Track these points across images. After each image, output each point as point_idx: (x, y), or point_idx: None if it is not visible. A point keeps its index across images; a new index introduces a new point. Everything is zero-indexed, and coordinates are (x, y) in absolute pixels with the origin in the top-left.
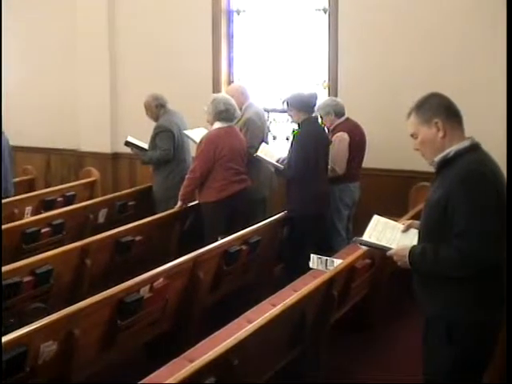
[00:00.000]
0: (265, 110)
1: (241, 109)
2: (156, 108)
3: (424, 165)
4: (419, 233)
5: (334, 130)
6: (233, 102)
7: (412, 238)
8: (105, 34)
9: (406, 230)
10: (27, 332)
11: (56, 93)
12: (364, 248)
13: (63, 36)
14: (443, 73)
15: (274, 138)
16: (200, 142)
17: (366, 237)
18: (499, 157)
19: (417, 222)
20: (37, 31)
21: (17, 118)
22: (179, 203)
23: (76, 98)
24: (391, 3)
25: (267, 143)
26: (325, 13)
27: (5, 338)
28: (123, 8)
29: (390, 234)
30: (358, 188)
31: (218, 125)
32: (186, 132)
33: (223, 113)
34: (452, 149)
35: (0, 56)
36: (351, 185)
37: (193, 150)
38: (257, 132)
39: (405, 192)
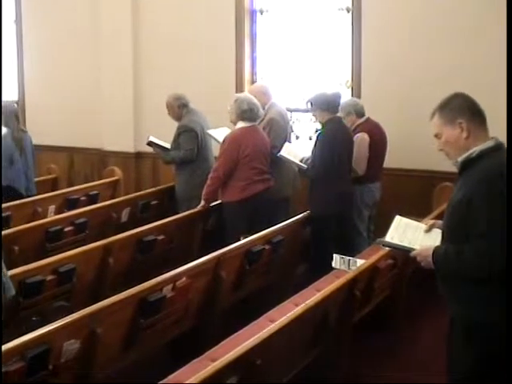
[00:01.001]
0: (288, 110)
1: (263, 108)
2: (178, 108)
3: (446, 165)
4: (442, 233)
5: (355, 131)
6: (256, 101)
7: (435, 238)
8: (128, 34)
9: (428, 230)
10: (50, 330)
11: (79, 92)
12: (387, 249)
13: (87, 35)
14: (465, 72)
15: (297, 137)
16: (223, 141)
17: (388, 238)
18: None
19: (439, 222)
20: (60, 30)
21: (40, 117)
22: (202, 202)
23: (99, 97)
24: (413, 2)
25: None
26: (348, 12)
27: (28, 336)
28: (147, 7)
29: (412, 235)
30: (379, 188)
31: (241, 124)
32: (209, 131)
33: (247, 112)
34: (476, 149)
35: (0, 55)
36: (372, 185)
37: (215, 150)
38: (279, 132)
39: (427, 192)
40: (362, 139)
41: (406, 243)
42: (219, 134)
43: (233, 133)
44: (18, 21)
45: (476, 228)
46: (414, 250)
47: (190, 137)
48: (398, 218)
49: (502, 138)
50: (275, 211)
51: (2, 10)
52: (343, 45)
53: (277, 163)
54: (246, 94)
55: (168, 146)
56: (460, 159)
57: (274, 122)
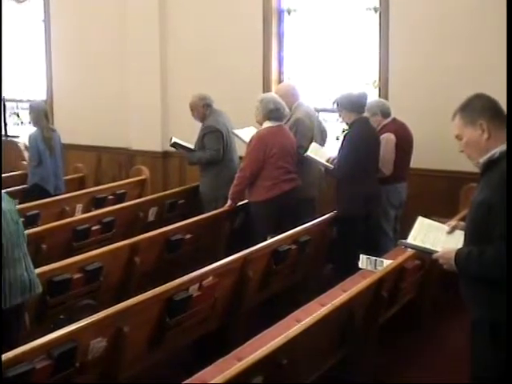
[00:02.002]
0: (315, 110)
1: (290, 108)
2: (203, 108)
3: (473, 166)
4: (464, 234)
5: (381, 131)
6: (281, 101)
7: (458, 240)
8: (156, 34)
9: (451, 232)
10: (77, 328)
11: (107, 91)
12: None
13: (114, 35)
14: (493, 73)
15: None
16: (250, 141)
17: (410, 239)
18: None
19: (462, 224)
20: (87, 30)
21: (68, 116)
22: (229, 202)
23: (127, 97)
24: (441, 2)
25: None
26: (375, 12)
27: (55, 334)
28: (174, 8)
29: (435, 236)
30: (406, 189)
31: (267, 124)
32: (234, 131)
33: (273, 112)
34: (497, 150)
35: (0, 54)
36: (398, 185)
37: (240, 150)
38: (306, 132)
39: (454, 193)
40: (388, 139)
41: (428, 245)
42: (245, 133)
43: (259, 132)
44: (47, 20)
45: (499, 229)
46: (436, 252)
47: (216, 137)
48: (420, 219)
49: None
50: (301, 211)
51: (27, 10)
52: (371, 45)
53: (303, 163)
54: (271, 93)
55: (192, 146)
56: (482, 160)
57: (300, 121)
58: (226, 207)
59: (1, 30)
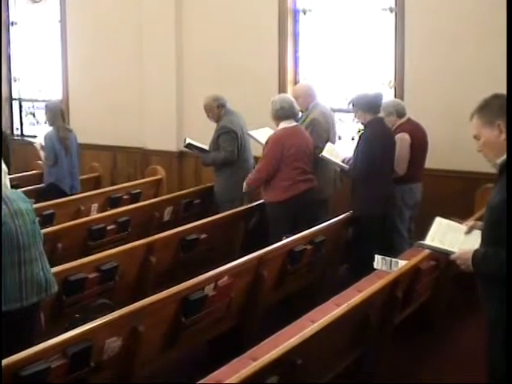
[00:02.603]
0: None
1: (307, 108)
2: (217, 109)
3: (489, 166)
4: (482, 235)
5: (396, 131)
6: (289, 99)
7: (475, 240)
8: (171, 35)
9: (468, 232)
10: (92, 327)
11: (123, 91)
12: (428, 250)
13: (130, 36)
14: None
15: (340, 137)
16: (266, 142)
17: (428, 240)
18: None
19: (480, 223)
20: (103, 31)
21: (84, 116)
22: (245, 186)
23: (142, 97)
24: (458, 2)
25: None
26: (391, 12)
27: (70, 333)
28: (190, 9)
29: (452, 237)
30: (420, 189)
31: (283, 125)
32: (250, 132)
33: (279, 111)
34: None
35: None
36: (413, 185)
37: (255, 151)
38: (321, 132)
39: (469, 194)
40: (402, 139)
41: (446, 245)
42: (260, 134)
43: (276, 133)
44: (63, 21)
45: None
46: (453, 253)
47: (230, 138)
48: (438, 219)
49: None
50: (315, 212)
51: (43, 10)
52: (386, 45)
53: (318, 163)
54: (281, 94)
55: (206, 147)
56: (499, 161)
57: (316, 122)
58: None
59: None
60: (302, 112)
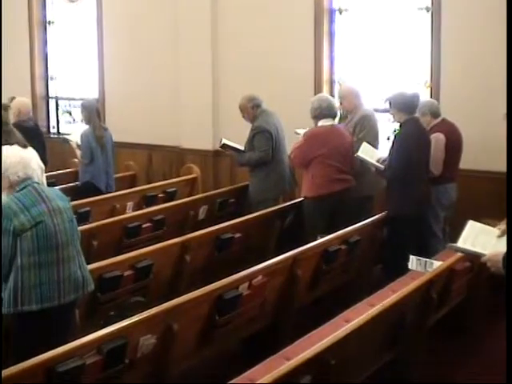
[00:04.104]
0: None
1: (353, 109)
2: (252, 109)
3: None
4: None
5: (431, 131)
6: (328, 99)
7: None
8: (207, 33)
9: (501, 235)
10: (127, 325)
11: (159, 91)
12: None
13: (166, 35)
14: None
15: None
16: (304, 134)
17: (460, 243)
18: None
19: None
20: (139, 30)
21: (120, 115)
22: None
23: (178, 95)
24: (493, 2)
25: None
26: (427, 11)
27: (105, 330)
28: (226, 8)
29: (485, 240)
30: (455, 189)
31: (321, 123)
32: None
33: (317, 110)
34: None
35: (0, 54)
36: (448, 186)
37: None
38: (370, 130)
39: (503, 195)
40: (437, 139)
41: (478, 248)
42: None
43: (313, 130)
44: (99, 20)
45: None
46: (484, 255)
47: (265, 138)
48: (471, 222)
49: None
50: (357, 209)
51: (79, 10)
52: (422, 44)
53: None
54: (319, 94)
55: (241, 147)
56: None
57: (364, 120)
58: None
59: (0, 29)
60: (348, 113)
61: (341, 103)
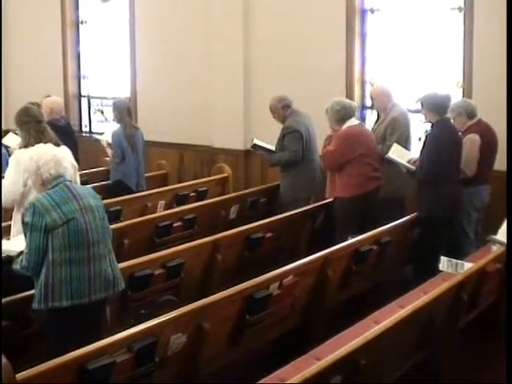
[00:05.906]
0: None
1: (385, 109)
2: (282, 109)
3: None
4: None
5: (466, 132)
6: (345, 100)
7: None
8: (239, 34)
9: None
10: (158, 323)
11: (190, 90)
12: (495, 253)
13: (198, 36)
14: None
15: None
16: (327, 138)
17: (500, 236)
18: None
19: None
20: (171, 30)
21: (152, 114)
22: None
23: (210, 95)
24: None
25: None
26: (460, 11)
27: (136, 329)
28: (257, 9)
29: None
30: (488, 191)
31: (348, 124)
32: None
33: (341, 111)
34: None
35: (0, 54)
36: (481, 187)
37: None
38: (402, 131)
39: None
40: (472, 140)
41: None
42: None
43: (344, 131)
44: (132, 20)
45: None
46: None
47: (295, 138)
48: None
49: None
50: (389, 210)
51: (112, 9)
52: (455, 45)
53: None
54: (332, 99)
55: (273, 148)
56: None
57: (396, 121)
58: None
59: (0, 28)
60: (380, 112)
61: (372, 104)
